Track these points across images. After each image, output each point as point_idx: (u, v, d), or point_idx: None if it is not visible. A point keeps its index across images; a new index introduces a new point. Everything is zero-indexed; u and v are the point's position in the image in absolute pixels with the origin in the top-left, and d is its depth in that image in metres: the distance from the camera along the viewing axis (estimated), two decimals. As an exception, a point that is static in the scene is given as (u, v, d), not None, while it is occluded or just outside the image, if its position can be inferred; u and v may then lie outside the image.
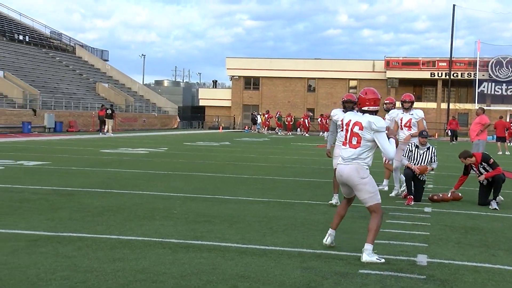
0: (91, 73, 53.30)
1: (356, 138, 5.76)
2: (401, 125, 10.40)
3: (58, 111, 37.99)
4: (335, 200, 9.02)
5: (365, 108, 5.81)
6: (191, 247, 5.92)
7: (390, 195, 10.30)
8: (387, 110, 10.92)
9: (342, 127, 7.97)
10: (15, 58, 45.00)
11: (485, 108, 20.51)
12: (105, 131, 34.21)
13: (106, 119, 34.37)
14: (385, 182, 11.13)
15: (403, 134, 10.30)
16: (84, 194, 9.44)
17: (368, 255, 5.58)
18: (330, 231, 6.09)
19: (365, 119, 5.75)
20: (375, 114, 5.79)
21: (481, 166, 9.66)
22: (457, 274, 5.26)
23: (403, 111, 10.44)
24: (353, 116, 5.91)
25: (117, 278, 4.76)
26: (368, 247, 5.61)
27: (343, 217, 6.14)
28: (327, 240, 6.07)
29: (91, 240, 6.12)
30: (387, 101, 11.01)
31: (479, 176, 9.65)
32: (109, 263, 5.19)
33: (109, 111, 34.51)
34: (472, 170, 9.85)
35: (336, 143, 8.98)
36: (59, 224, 6.88)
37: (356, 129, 5.78)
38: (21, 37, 51.11)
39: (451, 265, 5.57)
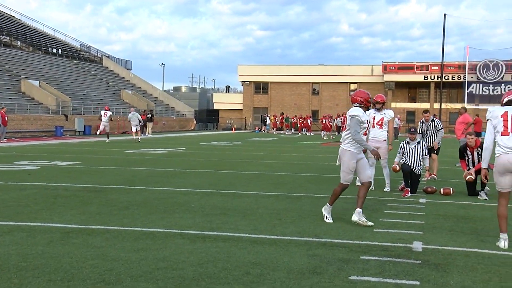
0: (116, 81, 53.51)
1: None
2: (373, 123, 10.15)
3: (87, 116, 38.20)
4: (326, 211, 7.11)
5: None
6: (207, 238, 5.92)
7: (384, 190, 10.11)
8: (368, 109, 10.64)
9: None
10: (49, 69, 45.30)
11: (474, 107, 20.22)
12: (146, 133, 34.36)
13: (147, 123, 34.66)
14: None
15: (375, 132, 10.10)
16: (111, 191, 9.47)
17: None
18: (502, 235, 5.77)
19: None
20: None
21: (477, 151, 9.79)
22: (450, 259, 5.21)
23: (375, 111, 10.25)
24: (509, 109, 5.70)
25: (141, 266, 4.76)
26: None
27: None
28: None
29: (118, 232, 6.14)
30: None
31: (469, 171, 9.62)
32: (133, 253, 5.20)
33: (149, 115, 34.89)
34: (467, 155, 9.89)
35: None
36: (89, 218, 6.91)
37: None
38: (54, 50, 51.48)
39: (444, 251, 5.52)
